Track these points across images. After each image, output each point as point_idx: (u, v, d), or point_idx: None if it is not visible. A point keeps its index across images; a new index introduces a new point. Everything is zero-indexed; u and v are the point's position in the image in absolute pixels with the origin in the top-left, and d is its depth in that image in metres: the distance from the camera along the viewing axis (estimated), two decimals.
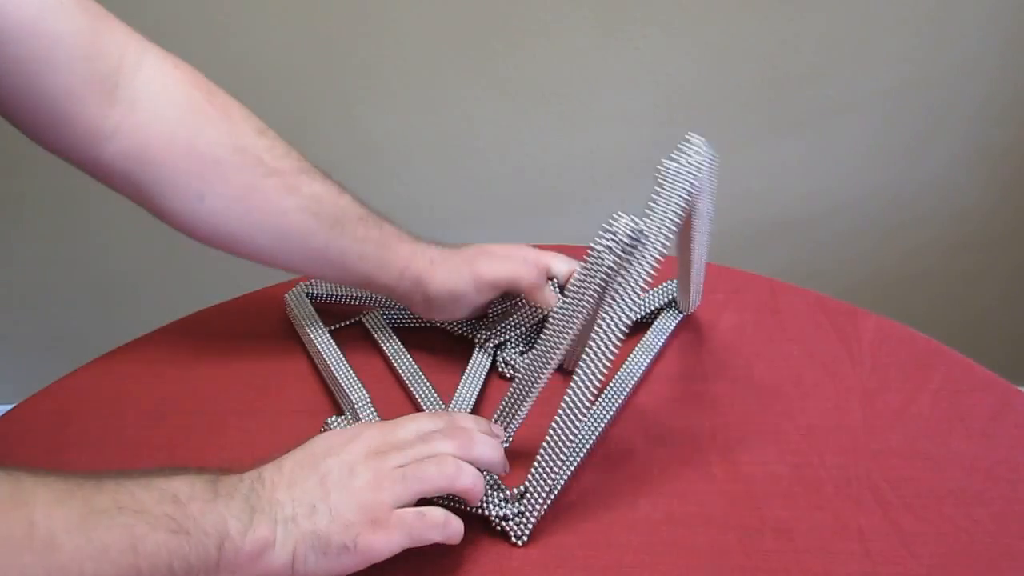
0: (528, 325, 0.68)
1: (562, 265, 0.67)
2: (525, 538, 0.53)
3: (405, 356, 0.67)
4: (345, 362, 0.65)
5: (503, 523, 0.53)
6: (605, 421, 0.61)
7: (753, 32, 1.12)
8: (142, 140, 0.58)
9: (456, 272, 0.65)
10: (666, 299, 0.71)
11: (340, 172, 1.31)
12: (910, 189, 1.25)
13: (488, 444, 0.54)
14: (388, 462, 0.50)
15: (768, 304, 0.72)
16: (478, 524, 0.54)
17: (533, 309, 0.67)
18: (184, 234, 0.62)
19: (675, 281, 0.71)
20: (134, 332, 0.74)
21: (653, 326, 0.69)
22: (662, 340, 0.68)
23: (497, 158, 1.26)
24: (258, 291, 0.77)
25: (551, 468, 0.55)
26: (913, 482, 0.56)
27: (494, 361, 0.68)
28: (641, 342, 0.68)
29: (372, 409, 0.61)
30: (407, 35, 1.15)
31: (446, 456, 0.51)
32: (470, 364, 0.66)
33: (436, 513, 0.50)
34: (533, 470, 0.55)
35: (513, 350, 0.67)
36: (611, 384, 0.64)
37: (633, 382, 0.64)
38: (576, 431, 0.54)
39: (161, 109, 0.59)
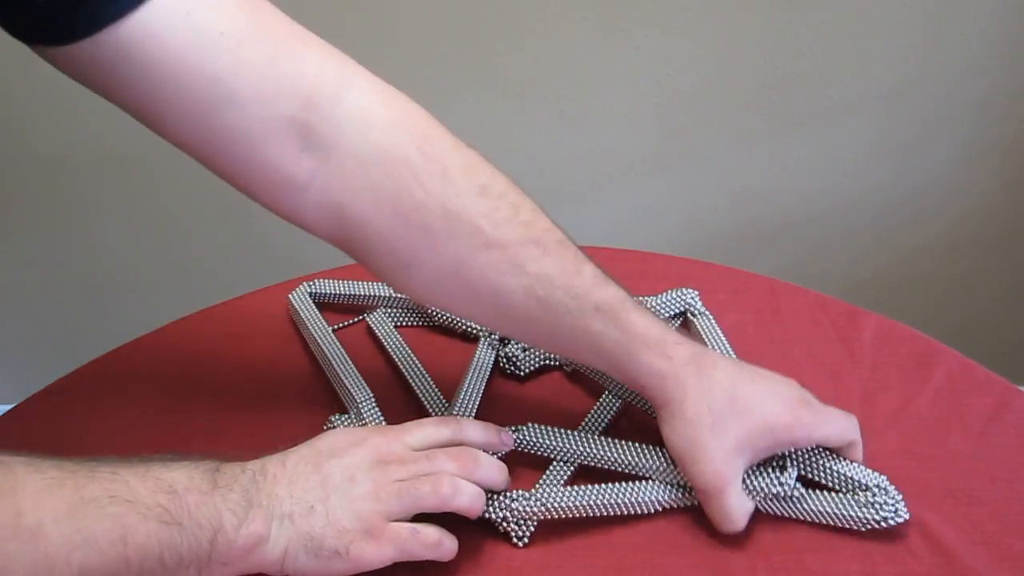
0: None
1: None
2: (527, 540, 0.53)
3: (409, 355, 0.67)
4: (349, 361, 0.65)
5: (505, 525, 0.53)
6: (603, 428, 0.61)
7: (753, 32, 1.12)
8: (341, 195, 0.50)
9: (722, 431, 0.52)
10: (678, 309, 0.70)
11: None
12: (910, 189, 1.25)
13: (492, 466, 0.53)
14: (389, 474, 0.50)
15: (769, 304, 0.72)
16: (480, 523, 0.54)
17: None
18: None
19: (687, 290, 0.70)
20: (134, 332, 0.74)
21: None
22: None
23: (497, 158, 1.25)
24: (258, 291, 0.77)
25: (557, 477, 0.55)
26: (913, 482, 0.56)
27: (498, 357, 0.67)
28: None
29: (376, 409, 0.61)
30: (406, 35, 1.15)
31: (442, 475, 0.51)
32: (474, 360, 0.66)
33: (430, 532, 0.50)
34: (541, 481, 0.55)
35: (517, 346, 0.67)
36: (609, 390, 0.63)
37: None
38: (584, 446, 0.55)
39: (364, 160, 0.49)
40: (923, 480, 0.56)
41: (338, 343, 0.67)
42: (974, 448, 0.59)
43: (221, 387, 0.67)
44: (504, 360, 0.67)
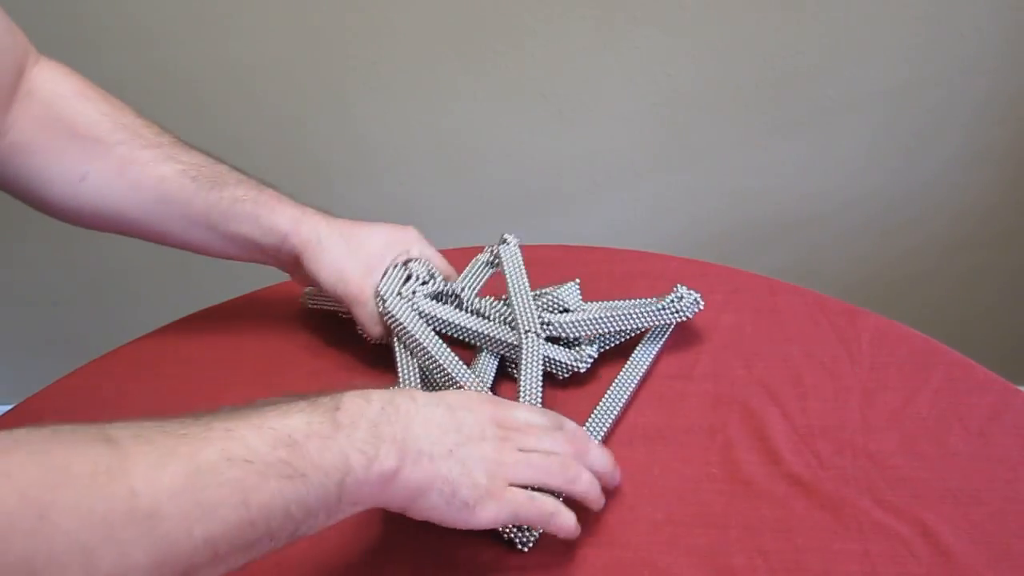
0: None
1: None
2: (530, 545, 0.53)
3: (445, 348, 0.64)
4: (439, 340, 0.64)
5: (509, 532, 0.53)
6: (606, 429, 0.61)
7: (753, 32, 1.12)
8: (31, 131, 0.60)
9: (343, 253, 0.66)
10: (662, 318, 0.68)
11: (339, 172, 1.32)
12: (910, 189, 1.25)
13: (602, 453, 0.54)
14: (513, 441, 0.50)
15: (767, 304, 0.72)
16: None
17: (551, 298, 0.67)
18: (69, 221, 0.64)
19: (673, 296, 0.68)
20: (134, 332, 0.74)
21: (647, 336, 0.68)
22: (656, 347, 0.68)
23: (496, 158, 1.26)
24: (259, 291, 0.77)
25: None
26: (911, 482, 0.56)
27: (502, 361, 0.66)
28: (635, 352, 0.67)
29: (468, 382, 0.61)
30: (406, 35, 1.15)
31: (567, 457, 0.51)
32: (478, 366, 0.65)
33: (547, 501, 0.50)
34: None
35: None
36: (609, 391, 0.63)
37: (630, 391, 0.64)
38: None
39: (51, 100, 0.61)
40: (922, 480, 0.56)
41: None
42: (973, 448, 0.59)
43: (222, 387, 0.67)
44: (512, 366, 0.66)
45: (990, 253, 1.30)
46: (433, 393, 0.51)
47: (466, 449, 0.48)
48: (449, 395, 0.51)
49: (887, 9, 1.09)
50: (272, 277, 0.76)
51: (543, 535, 0.53)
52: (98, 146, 0.62)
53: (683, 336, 0.70)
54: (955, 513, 0.54)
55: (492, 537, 0.54)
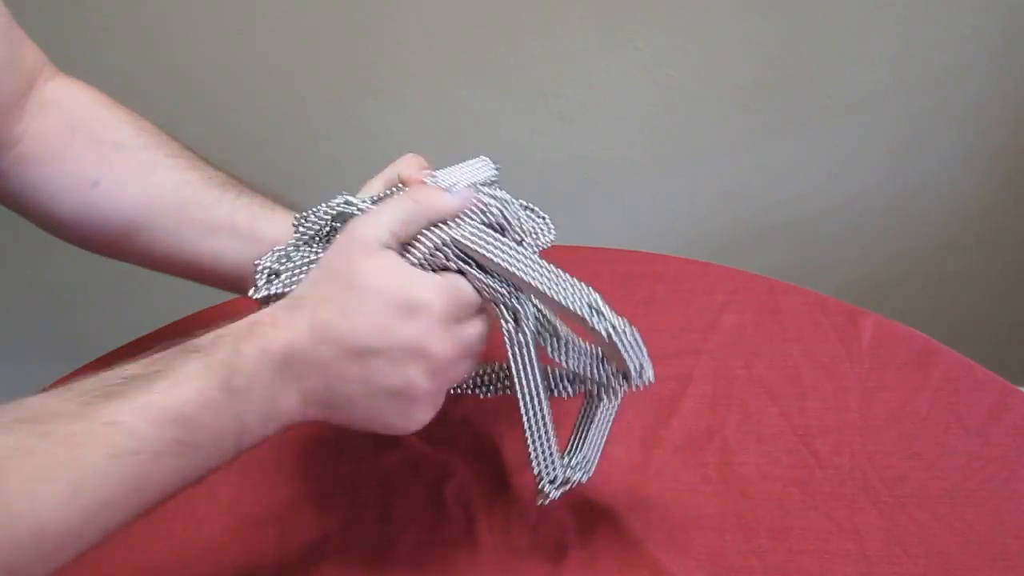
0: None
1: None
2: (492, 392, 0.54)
3: None
4: None
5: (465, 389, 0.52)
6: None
7: (752, 33, 1.12)
8: (44, 140, 0.58)
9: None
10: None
11: (339, 172, 1.31)
12: (909, 188, 1.25)
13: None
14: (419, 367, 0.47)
15: (767, 304, 0.72)
16: (481, 521, 0.54)
17: None
18: (73, 237, 0.62)
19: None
20: (134, 332, 0.74)
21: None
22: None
23: (497, 158, 1.25)
24: None
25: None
26: (909, 482, 0.56)
27: None
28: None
29: None
30: (407, 35, 1.15)
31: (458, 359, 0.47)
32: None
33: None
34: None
35: None
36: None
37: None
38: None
39: (69, 109, 0.59)
40: (921, 479, 0.56)
41: None
42: (972, 447, 0.59)
43: None
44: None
45: (990, 252, 1.30)
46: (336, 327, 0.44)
47: (372, 399, 0.44)
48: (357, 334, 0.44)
49: (884, 11, 1.09)
50: None
51: (542, 531, 0.54)
52: (119, 151, 0.60)
53: (683, 336, 0.70)
54: (952, 513, 0.54)
55: (488, 527, 0.54)
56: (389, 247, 0.46)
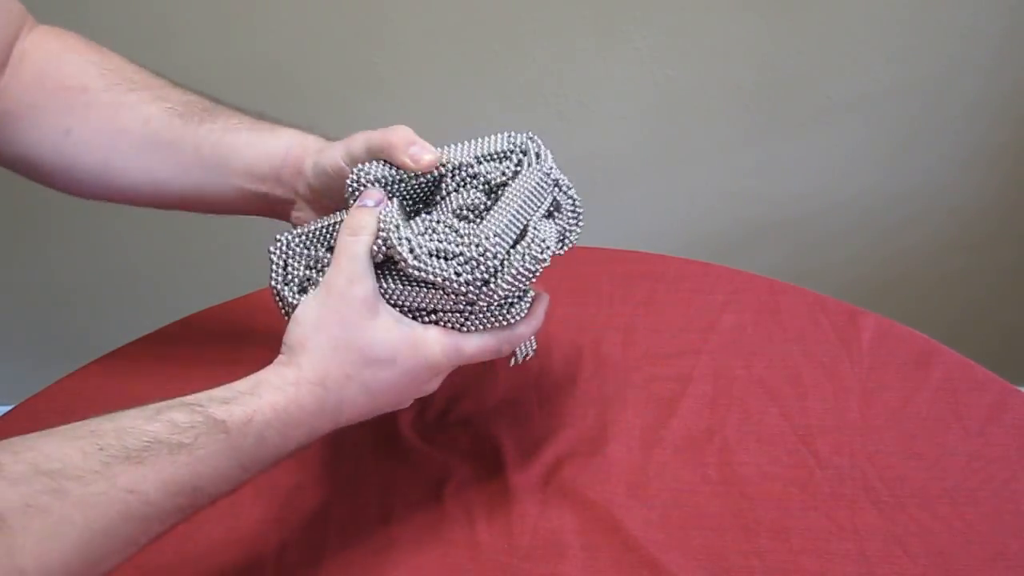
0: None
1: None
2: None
3: None
4: None
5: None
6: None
7: (752, 33, 1.12)
8: (19, 95, 0.58)
9: (333, 149, 0.61)
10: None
11: None
12: (909, 188, 1.25)
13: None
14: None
15: (767, 304, 0.72)
16: (481, 521, 0.54)
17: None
18: (64, 187, 0.61)
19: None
20: (134, 332, 0.74)
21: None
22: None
23: None
24: (261, 290, 0.77)
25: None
26: (909, 482, 0.56)
27: None
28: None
29: None
30: (407, 35, 1.15)
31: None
32: None
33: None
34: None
35: None
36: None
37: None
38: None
39: (41, 59, 0.59)
40: (921, 479, 0.56)
41: None
42: (972, 447, 0.59)
43: None
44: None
45: (989, 252, 1.30)
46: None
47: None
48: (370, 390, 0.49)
49: (884, 11, 1.09)
50: None
51: (542, 530, 0.54)
52: (83, 95, 0.58)
53: (683, 336, 0.70)
54: (951, 513, 0.54)
55: (488, 527, 0.54)
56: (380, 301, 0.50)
